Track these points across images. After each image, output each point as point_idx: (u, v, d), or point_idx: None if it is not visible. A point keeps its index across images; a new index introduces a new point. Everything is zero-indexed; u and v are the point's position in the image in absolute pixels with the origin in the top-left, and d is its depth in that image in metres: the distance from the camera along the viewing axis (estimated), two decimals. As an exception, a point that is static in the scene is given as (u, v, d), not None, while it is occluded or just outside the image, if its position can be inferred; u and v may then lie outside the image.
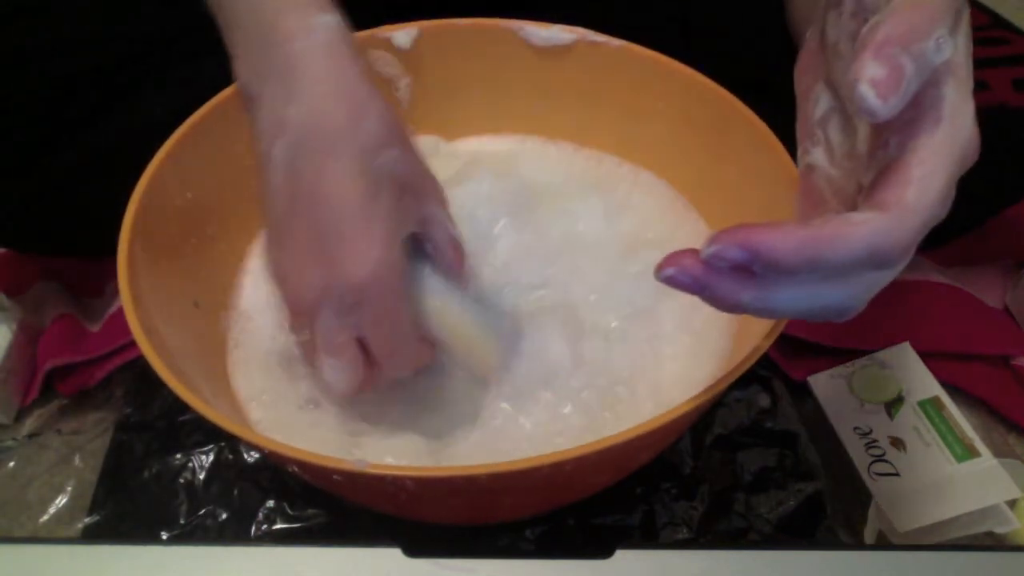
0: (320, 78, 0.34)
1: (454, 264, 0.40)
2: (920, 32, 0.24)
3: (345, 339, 0.36)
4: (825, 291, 0.26)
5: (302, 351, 0.42)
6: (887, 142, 0.26)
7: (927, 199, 0.25)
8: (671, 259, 0.27)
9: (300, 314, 0.36)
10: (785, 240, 0.24)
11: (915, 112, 0.25)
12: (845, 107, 0.30)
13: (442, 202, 0.40)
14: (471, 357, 0.41)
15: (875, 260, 0.25)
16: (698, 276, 0.26)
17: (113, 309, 0.61)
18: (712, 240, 0.25)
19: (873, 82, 0.23)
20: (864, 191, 0.27)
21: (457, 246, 0.40)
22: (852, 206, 0.29)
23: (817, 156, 0.31)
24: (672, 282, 0.27)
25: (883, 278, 0.27)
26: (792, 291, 0.26)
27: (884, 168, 0.26)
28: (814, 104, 0.31)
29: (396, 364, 0.38)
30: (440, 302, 0.39)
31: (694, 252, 0.26)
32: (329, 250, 0.34)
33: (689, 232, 0.51)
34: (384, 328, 0.36)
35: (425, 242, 0.39)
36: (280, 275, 0.36)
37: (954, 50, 0.25)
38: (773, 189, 0.43)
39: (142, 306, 0.38)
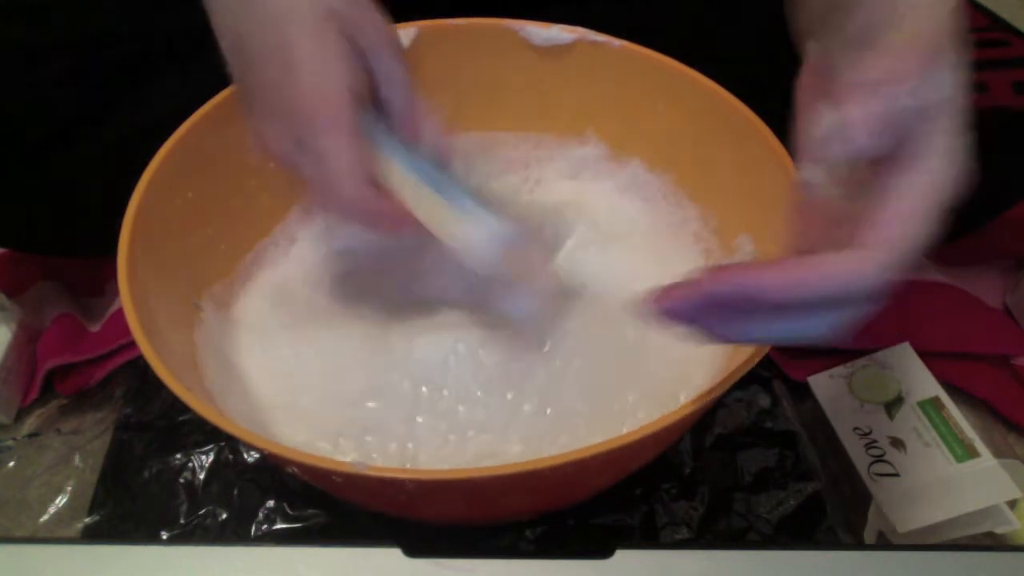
0: None
1: (405, 117, 0.39)
2: (910, 73, 0.25)
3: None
4: (809, 322, 0.27)
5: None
6: (877, 176, 0.27)
7: (905, 241, 0.25)
8: (662, 295, 0.28)
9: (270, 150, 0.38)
10: (772, 280, 0.26)
11: (902, 150, 0.26)
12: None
13: (389, 40, 0.39)
14: (431, 226, 0.39)
15: (852, 298, 0.26)
16: (687, 312, 0.28)
17: (113, 309, 0.61)
18: (703, 280, 0.27)
19: (859, 120, 0.24)
20: (848, 225, 0.27)
21: (407, 95, 0.39)
22: (853, 224, 0.29)
23: (815, 173, 0.30)
24: (662, 317, 0.28)
25: (864, 309, 0.27)
26: (776, 324, 0.27)
27: (868, 205, 0.26)
28: (814, 120, 0.31)
29: (332, 204, 0.37)
30: (386, 158, 0.38)
31: (683, 287, 0.28)
32: (281, 92, 0.35)
33: (690, 231, 0.51)
34: (320, 163, 0.36)
35: (378, 96, 0.39)
36: (255, 128, 0.38)
37: (946, 87, 0.26)
38: (773, 188, 0.43)
39: (142, 306, 0.38)
